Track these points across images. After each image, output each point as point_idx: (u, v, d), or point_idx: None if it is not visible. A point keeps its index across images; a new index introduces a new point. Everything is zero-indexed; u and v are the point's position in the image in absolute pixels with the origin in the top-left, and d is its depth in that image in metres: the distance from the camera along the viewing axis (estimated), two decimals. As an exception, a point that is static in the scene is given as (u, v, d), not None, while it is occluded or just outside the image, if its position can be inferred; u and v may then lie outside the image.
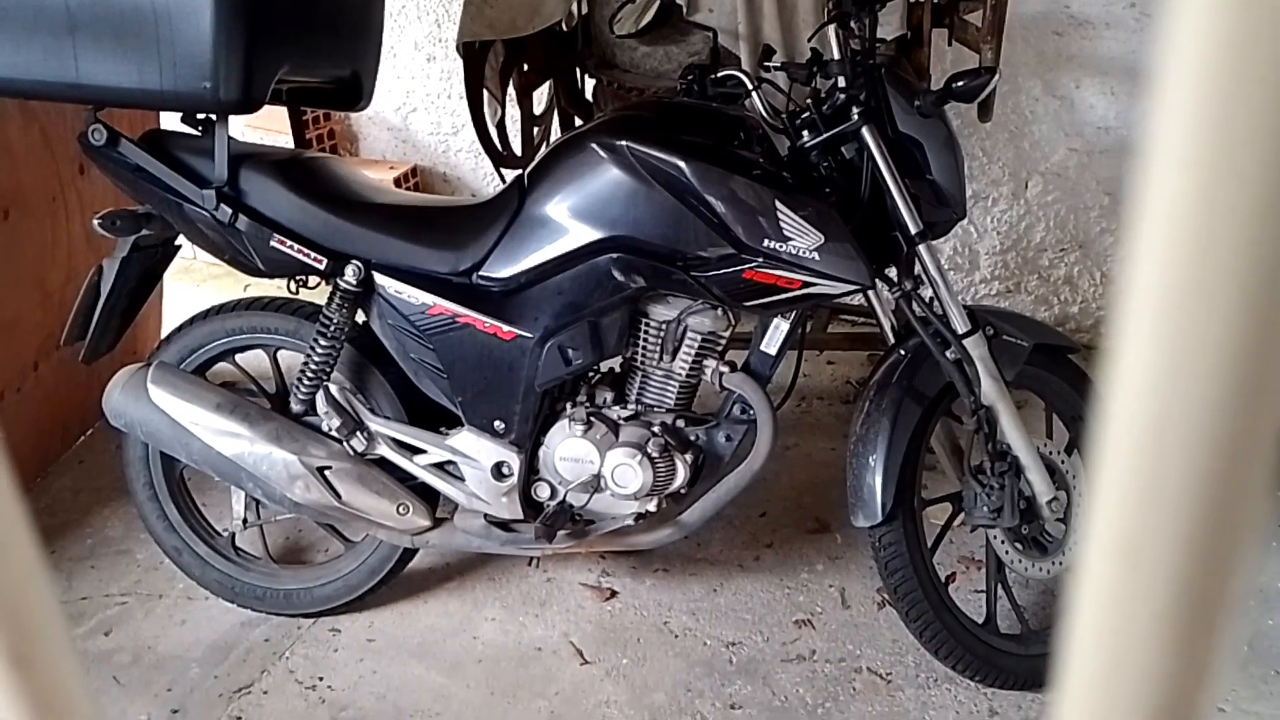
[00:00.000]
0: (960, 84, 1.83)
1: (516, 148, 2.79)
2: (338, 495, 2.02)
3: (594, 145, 1.86)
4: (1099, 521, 0.14)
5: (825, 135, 1.87)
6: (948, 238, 3.10)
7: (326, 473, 2.02)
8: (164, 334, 2.26)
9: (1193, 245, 0.13)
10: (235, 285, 3.35)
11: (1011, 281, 3.30)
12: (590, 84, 2.89)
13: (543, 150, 2.51)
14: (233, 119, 1.93)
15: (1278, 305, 0.12)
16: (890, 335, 2.01)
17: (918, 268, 1.91)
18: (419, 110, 3.75)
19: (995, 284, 3.31)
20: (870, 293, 1.93)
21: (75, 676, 0.15)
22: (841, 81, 1.87)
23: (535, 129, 2.86)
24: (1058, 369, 2.03)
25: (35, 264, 2.50)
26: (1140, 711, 0.14)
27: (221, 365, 2.17)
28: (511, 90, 2.70)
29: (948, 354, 1.88)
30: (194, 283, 3.58)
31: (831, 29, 1.87)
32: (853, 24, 1.90)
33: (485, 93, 2.59)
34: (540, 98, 2.88)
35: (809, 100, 1.92)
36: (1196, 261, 0.13)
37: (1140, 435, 0.14)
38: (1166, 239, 0.14)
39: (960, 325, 1.87)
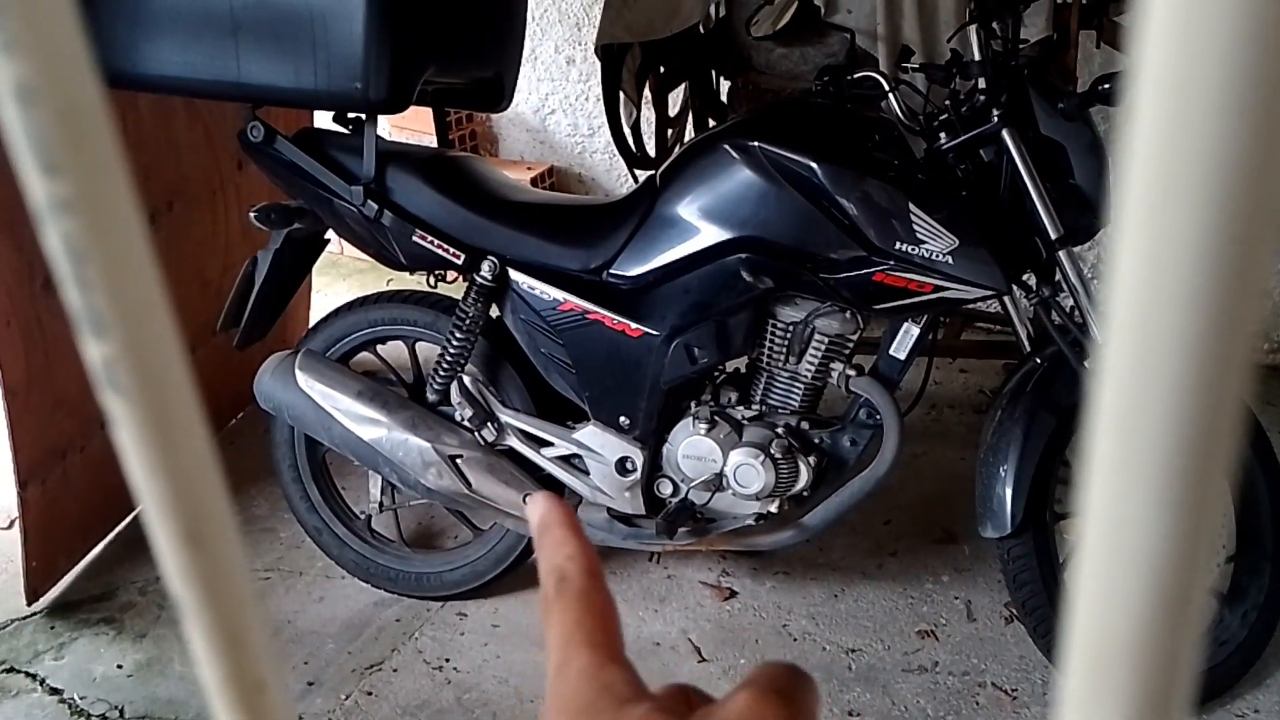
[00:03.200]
0: (1107, 86, 1.78)
1: (651, 149, 2.82)
2: (468, 483, 2.09)
3: (726, 146, 1.87)
4: (1102, 398, 0.15)
5: (964, 137, 1.84)
6: (1092, 245, 3.00)
7: (458, 461, 2.08)
8: (311, 324, 2.37)
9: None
10: (378, 279, 3.48)
11: (1158, 292, 3.17)
12: (726, 86, 2.90)
13: (676, 151, 2.53)
14: (380, 119, 2.01)
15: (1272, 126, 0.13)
16: (1026, 343, 1.96)
17: (1057, 274, 1.86)
18: (557, 112, 3.82)
19: (1141, 295, 3.18)
20: (1006, 299, 1.89)
21: (240, 558, 0.17)
22: (982, 83, 1.84)
23: (670, 130, 2.89)
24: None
25: (196, 254, 2.65)
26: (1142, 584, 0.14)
27: (363, 355, 2.26)
28: (647, 92, 2.74)
29: (1087, 364, 1.82)
30: (340, 276, 3.73)
31: (973, 29, 1.84)
32: (995, 25, 1.87)
33: (622, 94, 2.63)
34: (675, 100, 2.91)
35: (947, 102, 1.89)
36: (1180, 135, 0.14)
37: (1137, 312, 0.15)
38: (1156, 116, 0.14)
39: (1101, 335, 1.81)
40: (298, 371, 2.14)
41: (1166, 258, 0.13)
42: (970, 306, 2.28)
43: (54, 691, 2.09)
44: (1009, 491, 1.87)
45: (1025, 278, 1.90)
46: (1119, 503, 0.14)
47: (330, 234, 2.23)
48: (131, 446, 0.15)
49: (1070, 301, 1.85)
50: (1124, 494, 0.14)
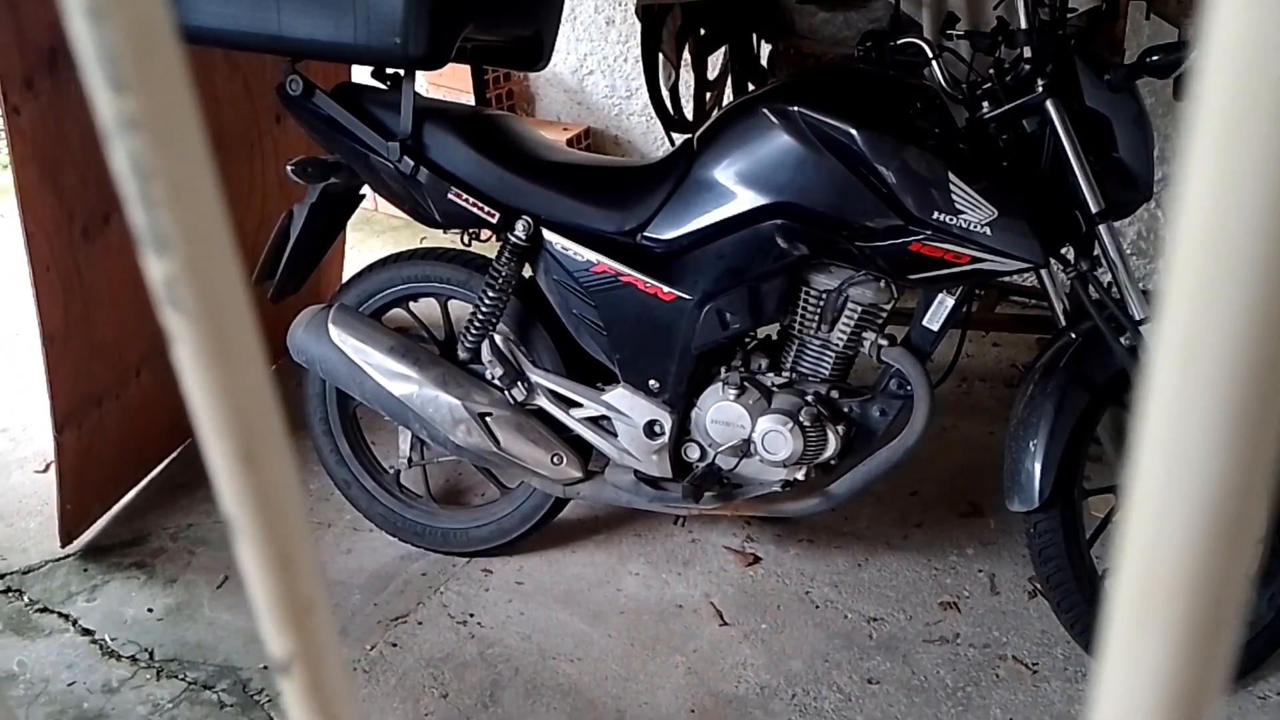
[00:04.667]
0: (1155, 58, 1.74)
1: (689, 112, 2.80)
2: (497, 441, 2.10)
3: (765, 110, 1.85)
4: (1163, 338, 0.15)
5: (1007, 107, 1.81)
6: (1132, 220, 2.96)
7: (487, 419, 2.10)
8: (345, 279, 2.38)
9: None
10: (412, 236, 3.49)
11: (1198, 271, 3.12)
12: (766, 50, 2.87)
13: (714, 115, 2.51)
14: (418, 75, 2.01)
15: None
16: (1061, 318, 1.94)
17: (1096, 249, 1.84)
18: (595, 73, 3.80)
19: (1180, 273, 3.14)
20: (1043, 272, 1.87)
21: (294, 480, 0.17)
22: (1027, 52, 1.81)
23: (708, 94, 2.86)
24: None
25: (233, 207, 2.64)
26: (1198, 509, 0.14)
27: (396, 311, 2.27)
28: (687, 55, 2.71)
29: (1122, 340, 1.80)
30: (374, 233, 3.75)
31: (1020, -3, 1.80)
32: (1043, -8, 1.83)
33: (661, 56, 2.61)
34: (715, 63, 2.88)
35: (991, 71, 1.86)
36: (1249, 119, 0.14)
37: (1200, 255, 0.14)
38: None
39: (1139, 311, 1.80)
40: (331, 326, 2.15)
41: (1232, 196, 0.13)
42: (1005, 279, 2.26)
43: (86, 632, 2.13)
44: (1038, 466, 1.86)
45: (1063, 251, 1.88)
46: (1176, 429, 0.14)
47: (366, 189, 2.23)
48: (190, 365, 0.15)
49: (1108, 276, 1.83)
50: (1181, 421, 0.14)
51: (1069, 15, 1.90)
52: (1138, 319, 1.79)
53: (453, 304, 2.25)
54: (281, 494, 0.16)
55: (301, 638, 0.17)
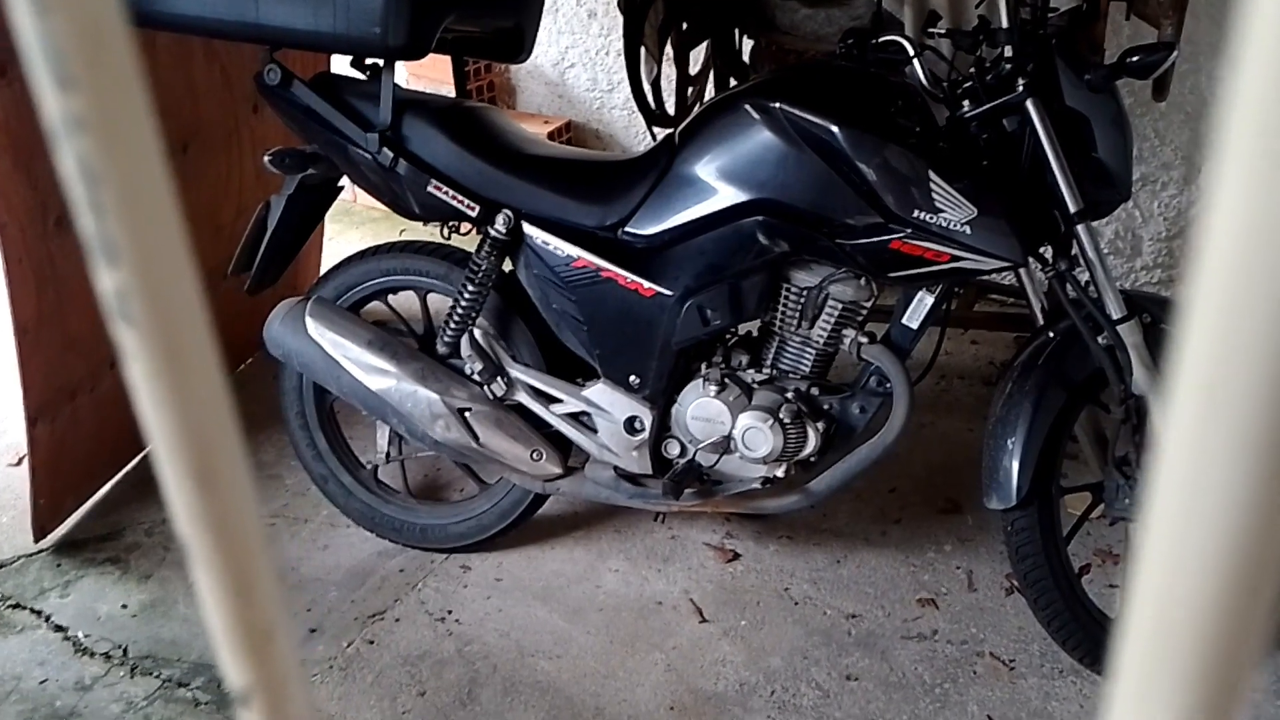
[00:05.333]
0: (1135, 59, 1.75)
1: (670, 107, 2.79)
2: (476, 437, 2.09)
3: (747, 106, 1.85)
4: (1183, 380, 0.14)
5: (987, 106, 1.81)
6: (1109, 220, 2.98)
7: (466, 414, 2.08)
8: (323, 271, 2.36)
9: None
10: (391, 228, 3.47)
11: (1174, 270, 3.14)
12: (748, 45, 2.86)
13: (696, 110, 2.51)
14: (398, 66, 1.99)
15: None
16: (1040, 316, 1.94)
17: (1074, 248, 1.84)
18: (577, 66, 3.79)
19: (1157, 271, 3.16)
20: (1022, 271, 1.88)
21: (252, 501, 0.16)
22: (1008, 51, 1.81)
23: (690, 89, 2.85)
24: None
25: (209, 197, 2.64)
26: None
27: (374, 304, 2.26)
28: (669, 49, 2.70)
29: (1100, 339, 1.81)
30: (352, 225, 3.72)
31: (1002, -5, 1.80)
32: (1025, -9, 1.83)
33: (643, 50, 2.60)
34: (697, 58, 2.87)
35: (972, 69, 1.86)
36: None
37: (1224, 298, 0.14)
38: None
39: (1115, 310, 1.80)
40: (308, 319, 2.13)
41: (1260, 223, 0.13)
42: (984, 278, 2.27)
43: (58, 629, 2.11)
44: (1015, 464, 1.86)
45: (1042, 251, 1.89)
46: (1196, 464, 0.13)
47: (344, 181, 2.22)
48: (142, 381, 0.14)
49: (1086, 276, 1.84)
50: (1202, 455, 0.13)
51: (1050, 15, 1.90)
52: (1115, 318, 1.80)
53: (432, 297, 2.24)
54: (239, 516, 0.15)
55: (261, 667, 0.16)
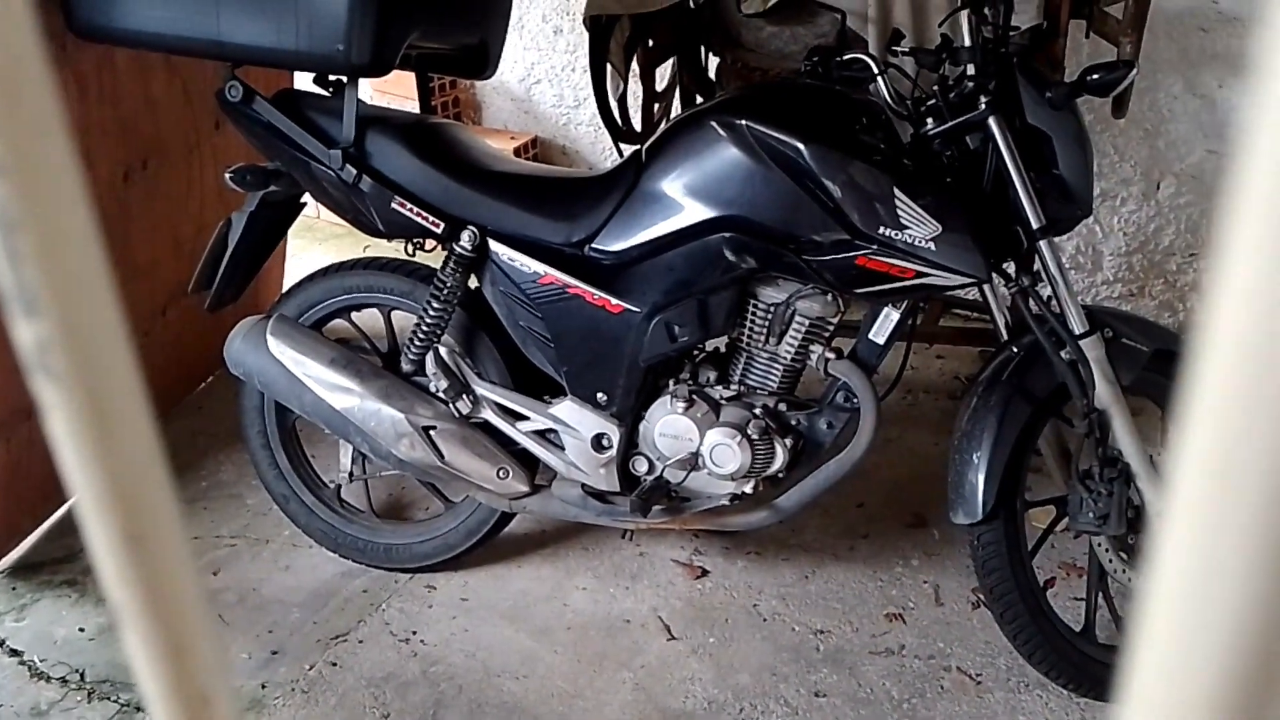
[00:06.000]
0: (1095, 77, 1.77)
1: (637, 123, 2.79)
2: (441, 455, 2.07)
3: (713, 123, 1.85)
4: (1183, 485, 0.14)
5: (950, 123, 1.82)
6: (1071, 236, 3.01)
7: (431, 432, 2.07)
8: (285, 288, 2.34)
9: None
10: (355, 245, 3.44)
11: (1135, 285, 3.18)
12: (714, 62, 2.87)
13: (662, 126, 2.51)
14: (362, 82, 1.98)
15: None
16: (1004, 332, 1.96)
17: (1037, 264, 1.86)
18: (543, 82, 3.78)
19: (1118, 286, 3.20)
20: (985, 287, 1.89)
21: (186, 560, 0.15)
22: (971, 69, 1.82)
23: (656, 105, 2.86)
24: (1177, 377, 1.95)
25: (170, 213, 2.61)
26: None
27: (338, 322, 2.23)
28: (635, 66, 2.71)
29: (1062, 354, 1.82)
30: (316, 240, 3.69)
31: (964, 15, 1.82)
32: (986, 11, 1.85)
33: (609, 67, 2.60)
34: (663, 74, 2.88)
35: (935, 87, 1.87)
36: None
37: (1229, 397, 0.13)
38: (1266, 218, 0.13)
39: (1078, 325, 1.82)
40: (269, 337, 2.11)
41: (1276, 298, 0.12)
42: (949, 293, 2.28)
43: (14, 653, 2.06)
44: (981, 478, 1.87)
45: (1005, 266, 1.90)
46: (1201, 561, 0.13)
47: (307, 197, 2.20)
48: (65, 437, 0.14)
49: (1048, 291, 1.85)
50: (1209, 551, 0.12)
51: (1011, 33, 1.92)
52: (1077, 333, 1.81)
53: (396, 315, 2.22)
54: (172, 577, 0.14)
55: (198, 735, 0.15)
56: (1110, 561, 1.90)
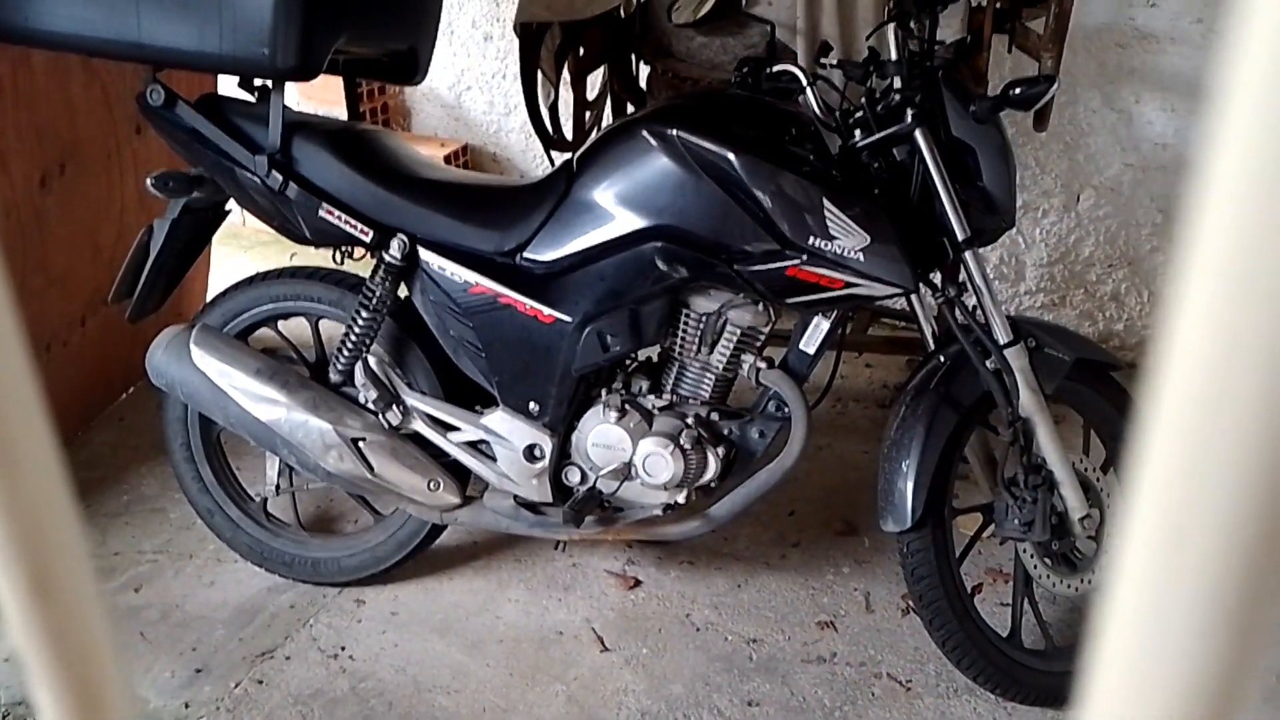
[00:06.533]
0: (1018, 91, 1.81)
1: (568, 131, 2.79)
2: (370, 467, 2.04)
3: (645, 133, 1.85)
4: (1137, 522, 0.14)
5: (878, 135, 1.85)
6: (994, 247, 3.07)
7: (360, 444, 2.03)
8: (209, 297, 2.29)
9: (1247, 260, 0.13)
10: (281, 253, 3.38)
11: (1057, 295, 3.26)
12: (645, 71, 2.88)
13: (593, 135, 2.51)
14: (288, 88, 1.95)
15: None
16: (931, 341, 1.99)
17: (962, 274, 1.90)
18: (473, 89, 3.76)
19: (1040, 296, 3.27)
20: (913, 297, 1.91)
21: (98, 609, 0.15)
22: (897, 82, 1.86)
23: (588, 114, 2.85)
24: (1098, 385, 2.00)
25: (88, 220, 2.54)
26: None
27: (264, 331, 2.19)
28: (566, 74, 2.70)
29: (988, 363, 1.86)
30: (241, 248, 3.62)
31: (891, 29, 1.85)
32: (912, 25, 1.88)
33: (540, 75, 2.59)
34: (594, 82, 2.88)
35: (863, 99, 1.90)
36: (1249, 277, 0.13)
37: (1183, 444, 0.13)
38: (1219, 254, 0.13)
39: (1002, 335, 1.85)
40: (193, 347, 2.06)
41: (1231, 349, 0.12)
42: (878, 303, 2.31)
43: (-79, 676, 1.98)
44: (910, 486, 1.90)
45: (932, 277, 1.93)
46: (1151, 624, 0.12)
47: (232, 204, 2.15)
48: (-34, 481, 0.13)
49: (973, 301, 1.89)
50: (1159, 615, 0.12)
51: (936, 47, 1.95)
52: (1002, 343, 1.85)
53: (324, 324, 2.18)
54: (82, 627, 0.13)
55: (113, 791, 0.14)
56: (1035, 568, 1.94)
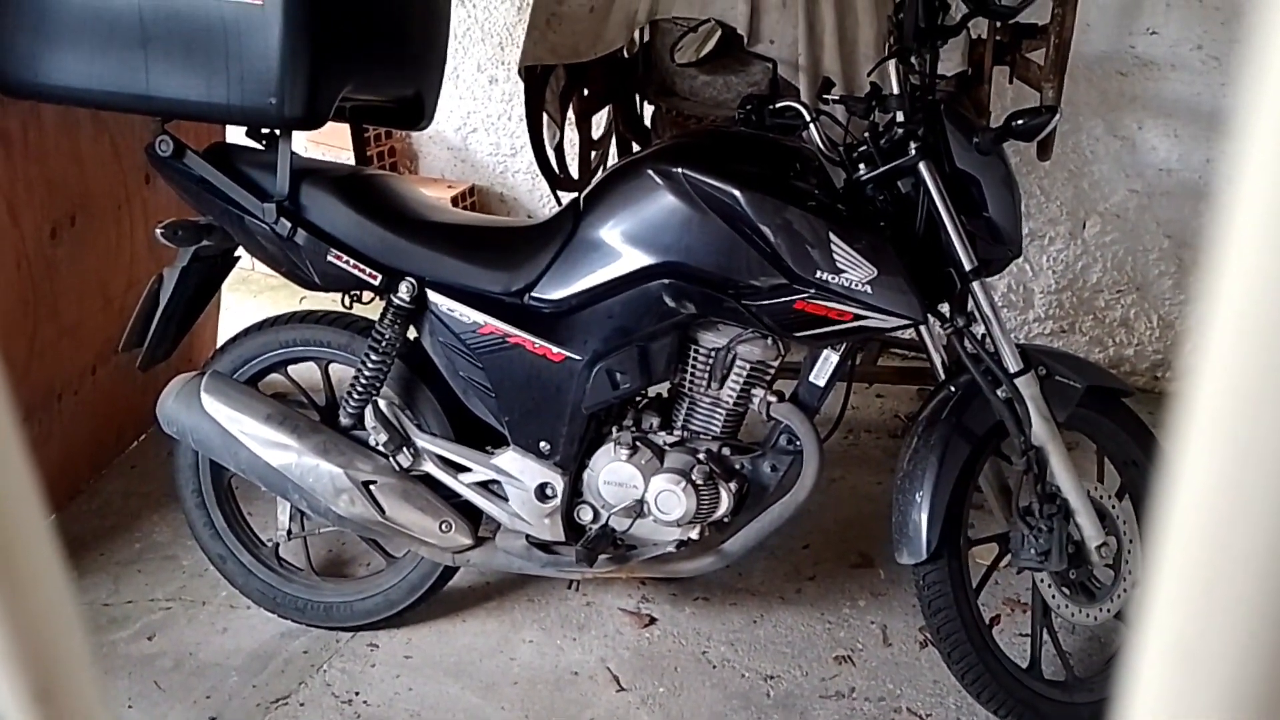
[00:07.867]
0: (1020, 122, 1.81)
1: (574, 171, 2.80)
2: (381, 510, 2.03)
3: (650, 171, 1.86)
4: (1165, 575, 0.14)
5: (881, 169, 1.86)
6: (1002, 275, 3.06)
7: (371, 487, 2.03)
8: (219, 344, 2.30)
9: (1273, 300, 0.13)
10: (291, 298, 3.39)
11: (1066, 322, 3.25)
12: (649, 111, 2.90)
13: (599, 174, 2.52)
14: (296, 134, 1.96)
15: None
16: (941, 371, 1.99)
17: (971, 304, 1.89)
18: (479, 131, 3.79)
19: (1049, 323, 3.26)
20: (922, 328, 1.91)
21: (99, 711, 0.14)
22: (900, 116, 1.86)
23: (593, 153, 2.87)
24: (1110, 412, 1.99)
25: (99, 270, 2.55)
26: None
27: (274, 376, 2.20)
28: (571, 114, 2.72)
29: (999, 392, 1.85)
30: (250, 294, 3.64)
31: (892, 64, 1.86)
32: (913, 59, 1.89)
33: (545, 116, 2.61)
34: (599, 123, 2.90)
35: (866, 134, 1.91)
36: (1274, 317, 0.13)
37: (1213, 489, 0.13)
38: (1246, 291, 0.13)
39: (1012, 364, 1.85)
40: (203, 394, 2.07)
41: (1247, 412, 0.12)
42: (888, 334, 2.31)
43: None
44: (924, 518, 1.89)
45: (940, 307, 1.93)
46: (1189, 649, 0.12)
47: (241, 251, 2.16)
48: (-30, 588, 0.13)
49: (982, 330, 1.88)
50: (1196, 640, 0.12)
51: (938, 81, 1.96)
52: (1012, 372, 1.84)
53: (334, 368, 2.19)
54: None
55: None
56: (1053, 597, 1.92)
